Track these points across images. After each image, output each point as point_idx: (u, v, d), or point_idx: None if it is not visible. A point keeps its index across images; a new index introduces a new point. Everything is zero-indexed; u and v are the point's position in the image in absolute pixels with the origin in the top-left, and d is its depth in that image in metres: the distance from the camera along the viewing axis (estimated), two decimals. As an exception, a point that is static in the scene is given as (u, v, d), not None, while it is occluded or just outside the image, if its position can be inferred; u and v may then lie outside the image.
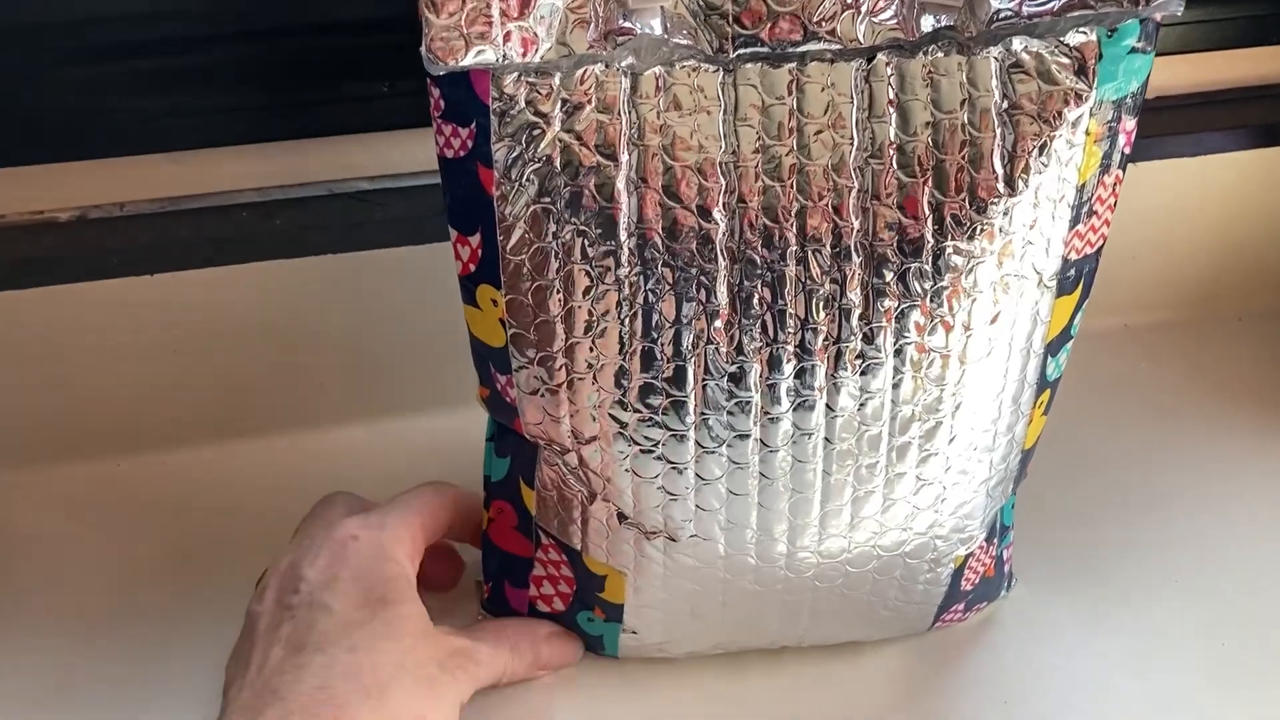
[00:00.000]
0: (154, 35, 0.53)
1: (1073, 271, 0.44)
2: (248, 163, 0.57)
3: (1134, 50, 0.40)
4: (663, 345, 0.41)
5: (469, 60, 0.38)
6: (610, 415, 0.43)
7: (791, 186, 0.40)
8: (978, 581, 0.51)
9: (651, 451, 0.43)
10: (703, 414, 0.42)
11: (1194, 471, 0.63)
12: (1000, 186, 0.40)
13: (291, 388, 0.62)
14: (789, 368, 0.42)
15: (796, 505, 0.45)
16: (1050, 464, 0.61)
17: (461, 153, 0.41)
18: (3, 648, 0.53)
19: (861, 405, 0.43)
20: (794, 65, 0.39)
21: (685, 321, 0.41)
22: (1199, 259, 0.71)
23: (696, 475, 0.44)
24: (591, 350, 0.42)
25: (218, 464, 0.62)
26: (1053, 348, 0.45)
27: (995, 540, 0.51)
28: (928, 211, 0.40)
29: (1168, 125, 0.67)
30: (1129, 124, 0.42)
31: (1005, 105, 0.40)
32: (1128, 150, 0.43)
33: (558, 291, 0.41)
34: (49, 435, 0.61)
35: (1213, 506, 0.61)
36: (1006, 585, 0.55)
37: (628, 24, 0.39)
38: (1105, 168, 0.42)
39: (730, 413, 0.42)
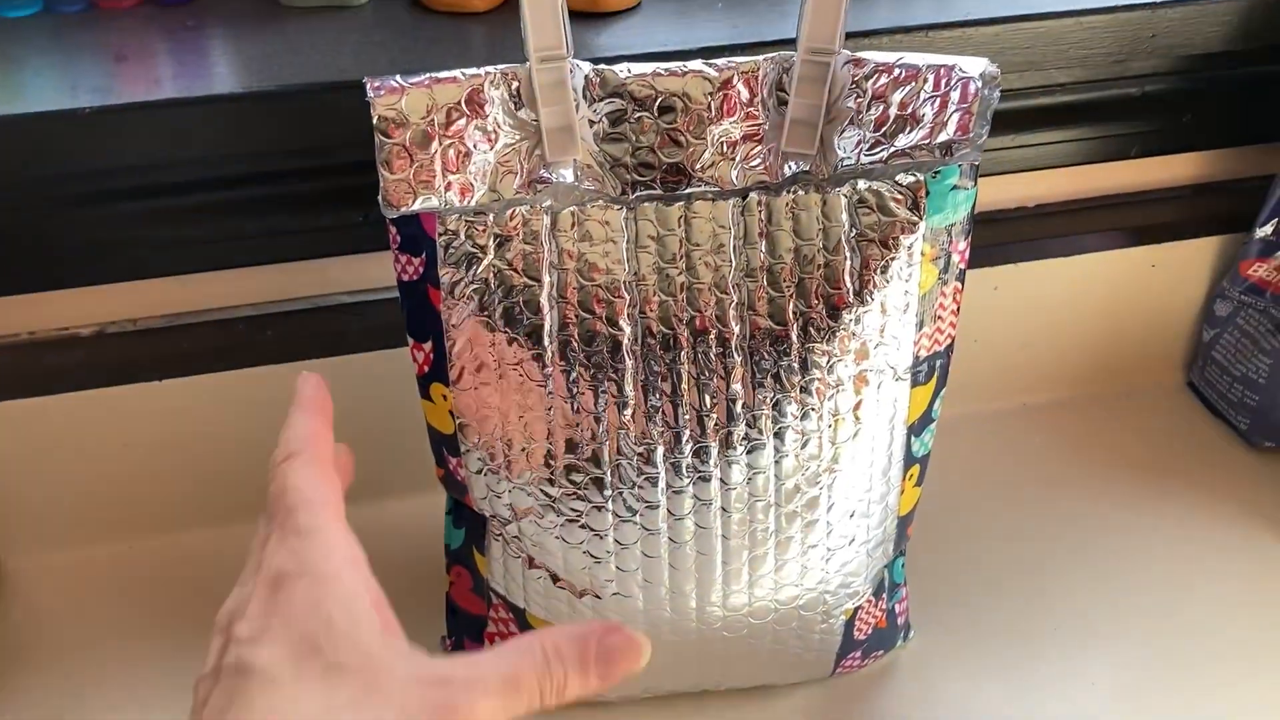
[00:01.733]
0: (161, 180, 0.62)
1: (925, 365, 0.53)
2: (243, 283, 0.66)
3: (956, 187, 0.50)
4: (583, 430, 0.50)
5: (416, 206, 0.47)
6: (541, 490, 0.51)
7: (683, 300, 0.49)
8: (870, 632, 0.59)
9: (576, 521, 0.51)
10: (618, 488, 0.51)
11: (1082, 536, 0.71)
12: (851, 299, 0.49)
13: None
14: (688, 448, 0.50)
15: (702, 565, 0.53)
16: (951, 528, 0.70)
17: (415, 276, 0.50)
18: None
19: (750, 479, 0.51)
20: (683, 203, 0.49)
21: (601, 411, 0.50)
22: (1086, 345, 0.80)
23: (615, 541, 0.52)
24: (524, 435, 0.50)
25: (221, 545, 0.69)
26: (915, 429, 0.54)
27: (885, 595, 0.59)
28: (794, 319, 0.49)
29: (1051, 229, 0.76)
30: (960, 245, 0.51)
31: (853, 233, 0.49)
32: (963, 266, 0.52)
33: (495, 387, 0.50)
34: (74, 520, 0.69)
35: (1097, 567, 0.68)
36: (903, 636, 0.63)
37: (546, 174, 0.48)
38: (943, 281, 0.51)
39: (640, 486, 0.51)
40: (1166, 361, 0.82)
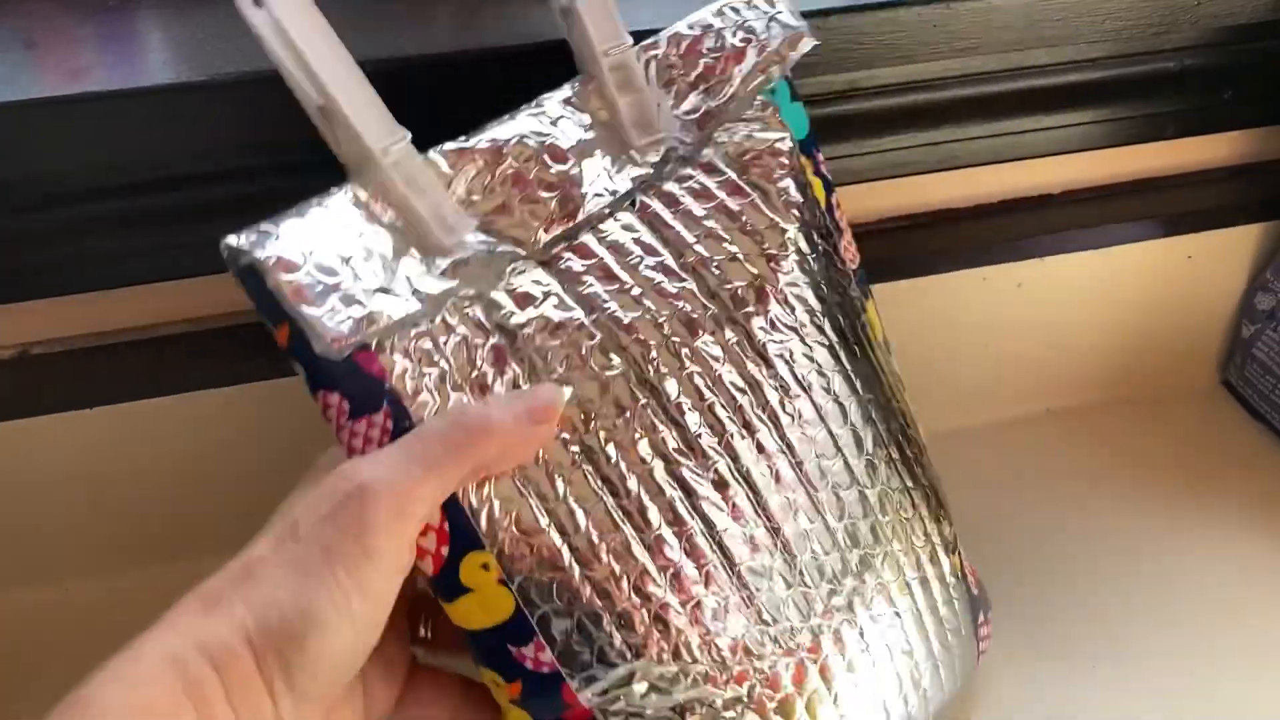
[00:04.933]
0: (87, 186, 0.54)
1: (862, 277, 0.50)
2: (182, 297, 0.59)
3: (795, 100, 0.49)
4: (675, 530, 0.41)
5: (365, 333, 0.38)
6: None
7: (649, 316, 0.43)
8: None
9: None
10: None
11: (1113, 549, 0.65)
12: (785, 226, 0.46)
13: (232, 512, 0.62)
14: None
15: None
16: (971, 546, 0.63)
17: (385, 439, 0.39)
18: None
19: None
20: (589, 233, 0.43)
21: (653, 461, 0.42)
22: (1115, 344, 0.73)
23: None
24: (610, 556, 0.40)
25: (160, 588, 0.62)
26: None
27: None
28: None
29: (1078, 219, 0.70)
30: (820, 155, 0.49)
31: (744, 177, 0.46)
32: (829, 176, 0.50)
33: (536, 503, 0.40)
34: (-4, 564, 0.62)
35: (1130, 583, 0.63)
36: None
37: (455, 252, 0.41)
38: (829, 190, 0.49)
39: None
40: (1200, 360, 0.76)
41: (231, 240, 0.39)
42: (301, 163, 0.54)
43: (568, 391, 0.40)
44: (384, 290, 0.39)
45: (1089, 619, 0.61)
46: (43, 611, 0.62)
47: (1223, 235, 0.71)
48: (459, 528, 0.39)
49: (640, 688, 0.40)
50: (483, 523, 0.39)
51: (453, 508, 0.39)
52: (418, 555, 0.39)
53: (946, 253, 0.67)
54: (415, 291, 0.39)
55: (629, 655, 0.40)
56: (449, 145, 0.42)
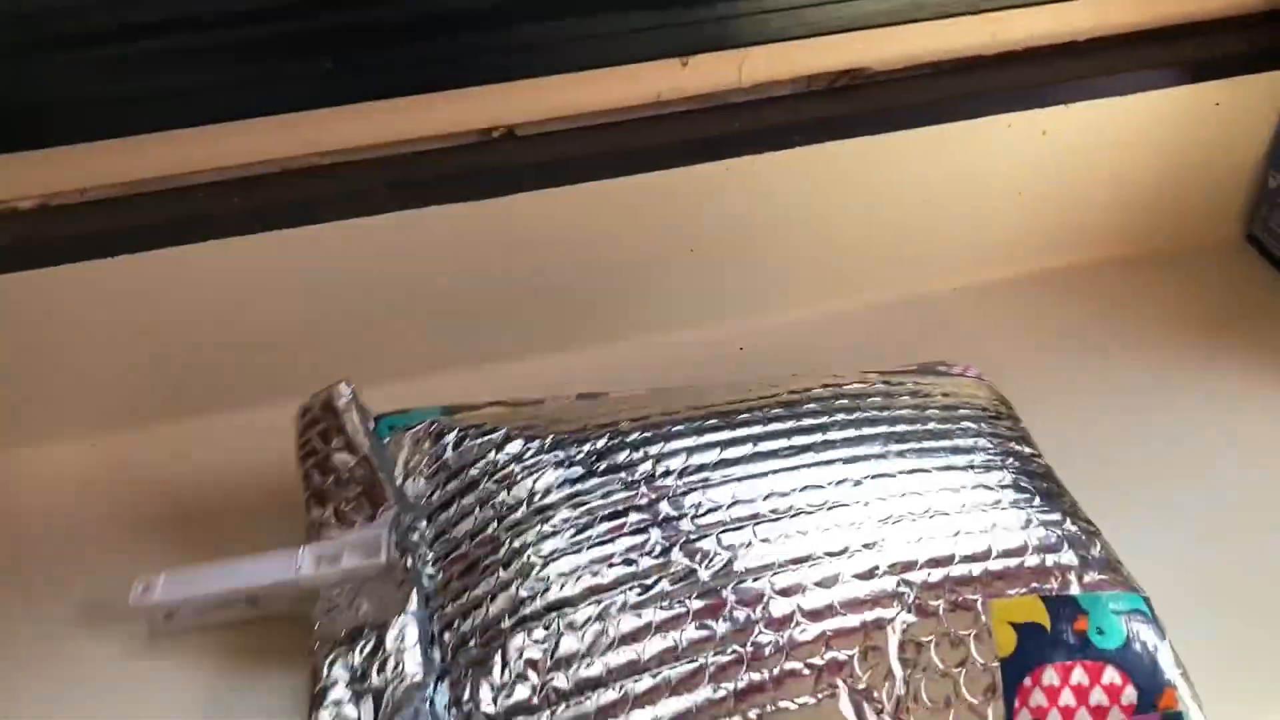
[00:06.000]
0: (102, 25, 0.54)
1: None
2: (203, 144, 0.58)
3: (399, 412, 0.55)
4: None
5: None
6: None
7: None
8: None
9: None
10: None
11: (1137, 406, 0.64)
12: None
13: (257, 362, 0.63)
14: None
15: None
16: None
17: None
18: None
19: None
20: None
21: None
22: (1139, 195, 0.72)
23: None
24: None
25: (189, 438, 0.63)
26: None
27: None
28: None
29: (1104, 65, 0.68)
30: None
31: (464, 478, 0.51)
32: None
33: None
34: (21, 418, 0.62)
35: (1154, 439, 0.62)
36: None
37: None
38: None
39: None
40: (1225, 212, 0.75)
41: None
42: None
43: None
44: None
45: (1106, 476, 0.59)
46: (70, 466, 0.62)
47: (1252, 81, 0.69)
48: None
49: None
50: None
51: None
52: None
53: (971, 100, 0.66)
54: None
55: None
56: None
